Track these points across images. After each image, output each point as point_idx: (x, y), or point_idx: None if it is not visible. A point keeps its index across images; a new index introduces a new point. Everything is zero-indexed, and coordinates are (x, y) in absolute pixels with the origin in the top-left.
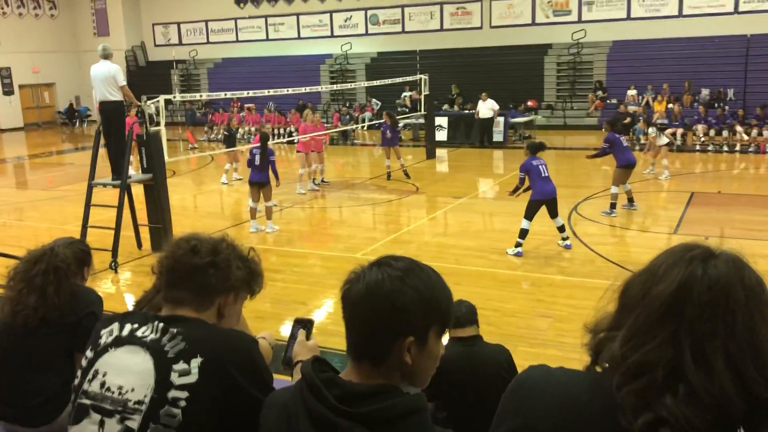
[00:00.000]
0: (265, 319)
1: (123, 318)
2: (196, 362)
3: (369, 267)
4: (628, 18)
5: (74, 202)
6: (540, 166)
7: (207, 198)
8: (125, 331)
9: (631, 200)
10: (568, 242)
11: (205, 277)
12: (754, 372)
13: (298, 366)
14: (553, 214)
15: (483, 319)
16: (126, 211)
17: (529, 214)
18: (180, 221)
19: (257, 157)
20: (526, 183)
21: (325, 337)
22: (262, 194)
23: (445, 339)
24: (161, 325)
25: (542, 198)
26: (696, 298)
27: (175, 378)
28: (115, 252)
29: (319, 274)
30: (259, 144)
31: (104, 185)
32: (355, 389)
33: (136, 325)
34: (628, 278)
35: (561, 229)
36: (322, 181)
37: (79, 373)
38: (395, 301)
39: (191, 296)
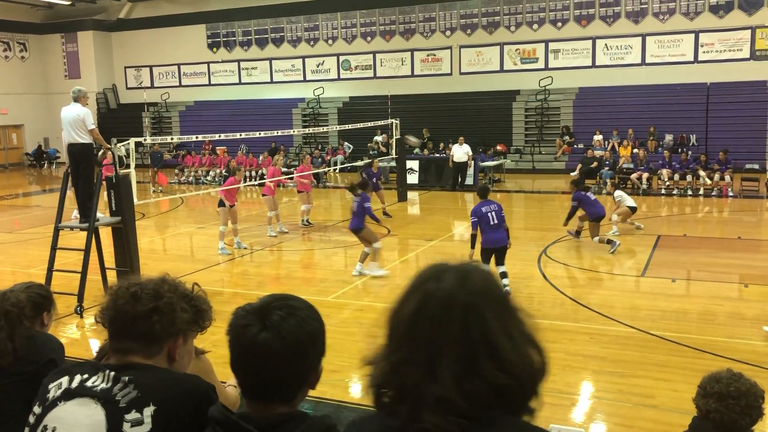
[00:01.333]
0: None
1: (73, 369)
2: (149, 411)
3: (260, 315)
4: (594, 66)
5: (40, 245)
6: (489, 213)
7: (176, 241)
8: (75, 383)
9: (578, 233)
10: (507, 289)
11: (149, 326)
12: (490, 367)
13: None
14: (499, 261)
15: None
16: (93, 255)
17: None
18: (149, 264)
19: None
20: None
21: None
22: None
23: None
24: (112, 374)
25: (492, 246)
26: (430, 312)
27: (127, 428)
28: (81, 296)
29: None
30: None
31: (71, 228)
32: (271, 419)
33: (86, 376)
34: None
35: (503, 275)
36: (308, 222)
37: (26, 429)
38: (307, 340)
39: (138, 345)
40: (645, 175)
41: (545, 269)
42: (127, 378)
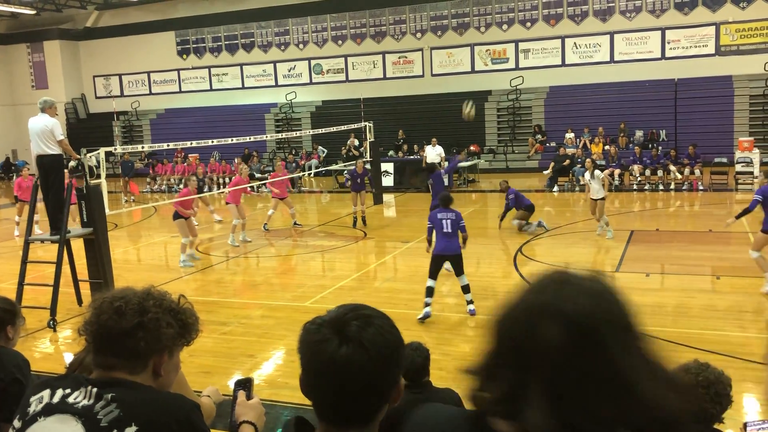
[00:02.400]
0: (212, 374)
1: (55, 383)
2: (130, 431)
3: (336, 328)
4: (563, 64)
5: (10, 258)
6: (444, 221)
7: (150, 251)
8: (56, 398)
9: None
10: (472, 307)
11: (134, 342)
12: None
13: (243, 427)
14: (458, 272)
15: (434, 363)
16: (65, 267)
17: (432, 272)
18: (122, 275)
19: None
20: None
21: (275, 390)
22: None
23: None
24: (94, 390)
25: (441, 254)
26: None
27: None
28: (53, 310)
29: (267, 325)
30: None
31: (42, 241)
32: None
33: (68, 391)
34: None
35: (465, 289)
36: (296, 223)
37: None
38: (390, 351)
39: (122, 362)
40: (617, 172)
41: (522, 268)
42: (109, 396)
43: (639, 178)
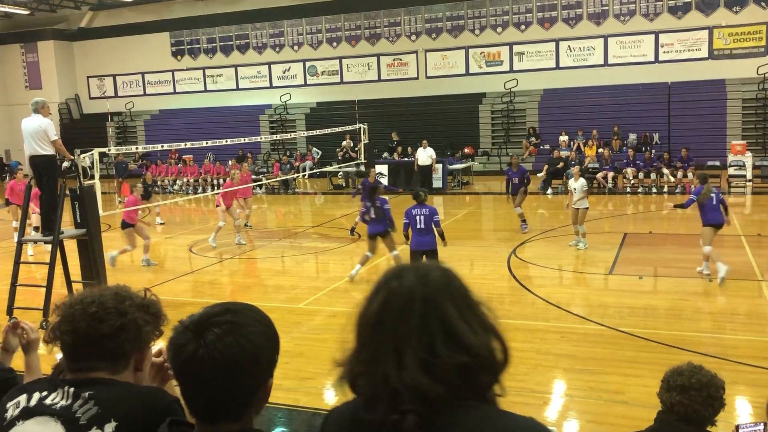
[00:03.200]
0: None
1: (30, 387)
2: (110, 427)
3: (196, 332)
4: (558, 67)
5: (2, 259)
6: (418, 217)
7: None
8: (33, 401)
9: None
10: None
11: (117, 344)
12: (449, 349)
13: None
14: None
15: None
16: (58, 268)
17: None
18: (115, 276)
19: (372, 210)
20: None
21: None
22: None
23: None
24: (71, 390)
25: (418, 249)
26: (392, 308)
27: None
28: (46, 311)
29: None
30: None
31: (35, 242)
32: None
33: (44, 393)
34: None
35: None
36: (246, 224)
37: None
38: (247, 359)
39: (103, 363)
40: (610, 174)
41: (515, 270)
42: (87, 394)
43: (632, 181)
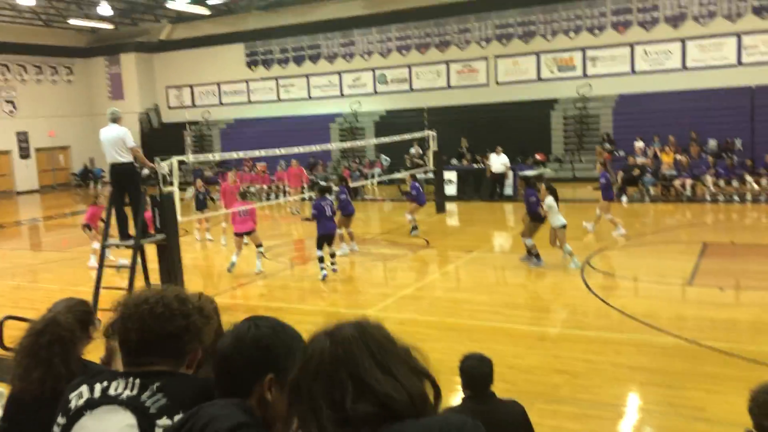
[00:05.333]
0: None
1: (89, 380)
2: (178, 418)
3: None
4: (633, 72)
5: (85, 262)
6: (326, 206)
7: (219, 257)
8: (96, 392)
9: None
10: (335, 267)
11: (180, 344)
12: (353, 405)
13: None
14: (330, 244)
15: (498, 376)
16: (139, 272)
17: (320, 245)
18: (192, 280)
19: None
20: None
21: None
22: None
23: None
24: (137, 381)
25: (326, 233)
26: (308, 371)
27: None
28: None
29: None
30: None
31: (118, 246)
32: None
33: (105, 384)
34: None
35: (332, 255)
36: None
37: None
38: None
39: (166, 361)
40: (688, 182)
41: (589, 280)
42: (155, 386)
43: (712, 189)
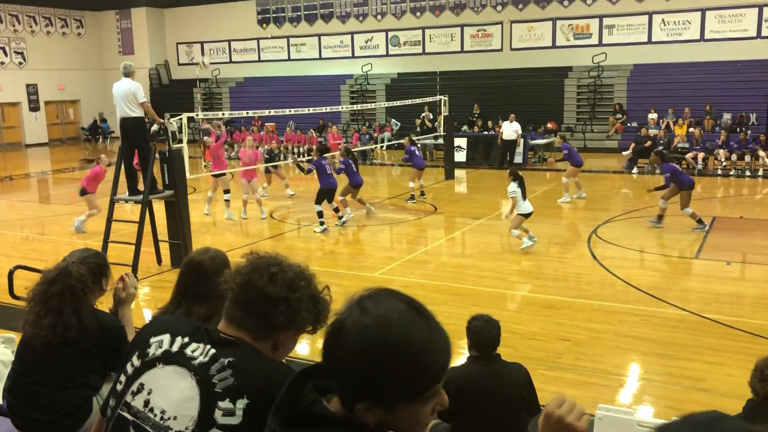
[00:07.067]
0: None
1: (175, 327)
2: (241, 404)
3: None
4: (649, 42)
5: (96, 217)
6: (326, 165)
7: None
8: (175, 346)
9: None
10: (324, 227)
11: (274, 313)
12: None
13: None
14: (330, 200)
15: (501, 341)
16: (147, 227)
17: (319, 200)
18: (200, 238)
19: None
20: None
21: None
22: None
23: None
24: (212, 350)
25: (325, 188)
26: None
27: (218, 416)
28: (135, 267)
29: (335, 292)
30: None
31: (126, 201)
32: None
33: (186, 340)
34: None
35: (320, 215)
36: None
37: (122, 377)
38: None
39: (253, 323)
40: (701, 155)
41: (595, 249)
42: (226, 361)
43: (724, 163)
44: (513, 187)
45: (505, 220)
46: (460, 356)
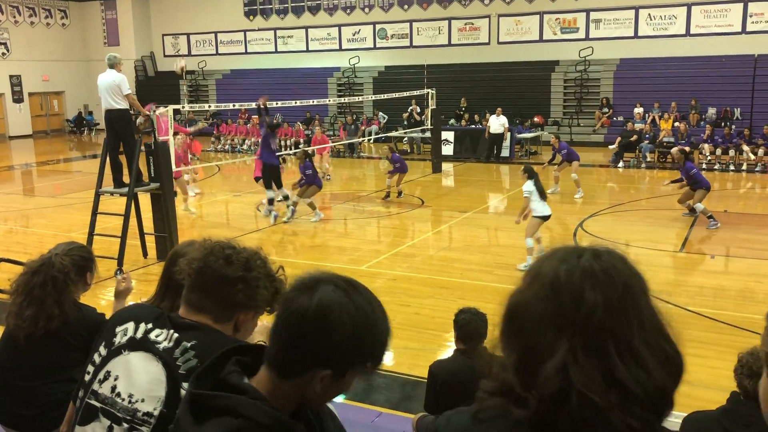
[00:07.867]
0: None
1: (138, 314)
2: None
3: (323, 283)
4: (636, 36)
5: (81, 209)
6: (271, 141)
7: (213, 208)
8: (140, 332)
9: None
10: (275, 213)
11: (232, 292)
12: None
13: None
14: (275, 180)
15: (488, 334)
16: (132, 220)
17: (268, 184)
18: (186, 231)
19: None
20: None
21: None
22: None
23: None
24: (175, 335)
25: (268, 163)
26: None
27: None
28: (120, 260)
29: None
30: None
31: (111, 193)
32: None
33: (150, 326)
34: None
35: (285, 197)
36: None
37: (90, 368)
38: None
39: (213, 305)
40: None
41: (581, 243)
42: (188, 344)
43: (709, 158)
44: (529, 186)
45: (517, 225)
46: (446, 349)
